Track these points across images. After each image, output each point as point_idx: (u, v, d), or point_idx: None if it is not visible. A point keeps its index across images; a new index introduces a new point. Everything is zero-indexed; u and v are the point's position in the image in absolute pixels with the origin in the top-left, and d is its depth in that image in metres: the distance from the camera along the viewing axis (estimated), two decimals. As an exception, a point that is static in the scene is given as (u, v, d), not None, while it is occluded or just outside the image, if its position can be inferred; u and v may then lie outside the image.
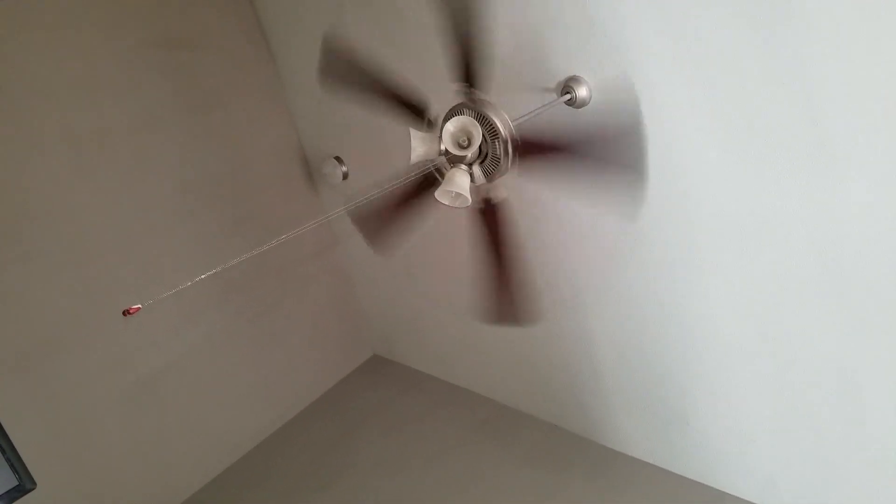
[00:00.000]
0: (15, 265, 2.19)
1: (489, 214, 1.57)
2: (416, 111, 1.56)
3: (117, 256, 2.44)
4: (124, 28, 2.41)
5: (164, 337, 2.61)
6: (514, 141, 1.47)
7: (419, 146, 1.46)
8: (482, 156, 1.50)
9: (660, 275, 1.97)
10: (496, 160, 1.49)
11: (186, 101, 2.63)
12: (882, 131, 1.38)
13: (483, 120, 1.46)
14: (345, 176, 2.88)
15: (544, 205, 2.13)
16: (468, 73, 1.49)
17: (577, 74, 1.80)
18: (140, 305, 1.16)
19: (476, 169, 1.50)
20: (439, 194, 1.44)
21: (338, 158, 2.87)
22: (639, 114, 1.67)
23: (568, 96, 1.80)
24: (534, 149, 1.51)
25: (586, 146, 1.52)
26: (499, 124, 1.46)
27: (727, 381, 2.01)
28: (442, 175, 1.53)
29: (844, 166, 1.46)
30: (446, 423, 2.89)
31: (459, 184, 1.43)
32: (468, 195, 1.42)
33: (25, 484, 1.68)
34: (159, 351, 2.60)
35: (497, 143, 1.47)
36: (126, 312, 1.16)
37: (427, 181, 1.57)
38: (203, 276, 1.22)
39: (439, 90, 1.57)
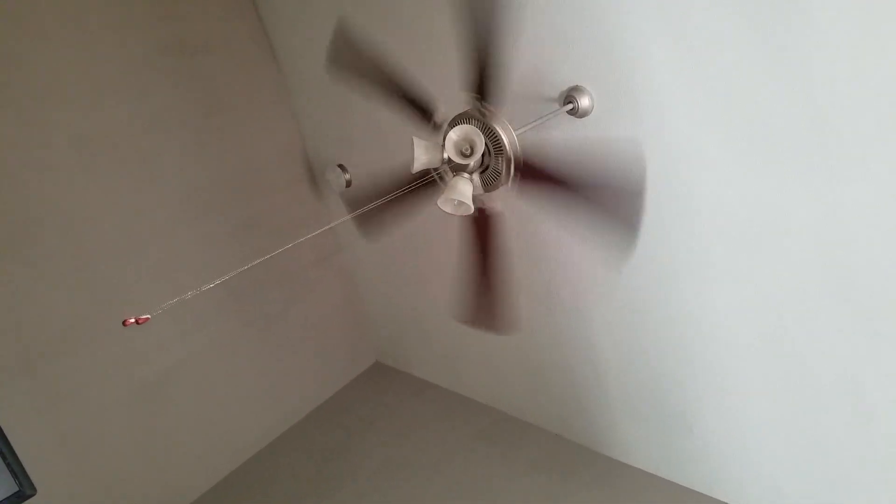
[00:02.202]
0: (20, 268, 2.20)
1: (481, 222, 1.57)
2: (422, 112, 1.56)
3: (123, 260, 2.45)
4: (132, 33, 2.43)
5: (168, 341, 2.61)
6: (517, 161, 1.46)
7: (422, 154, 1.46)
8: (483, 166, 1.50)
9: (663, 281, 1.97)
10: (496, 173, 1.49)
11: (192, 107, 2.65)
12: (887, 133, 1.38)
13: (489, 132, 1.46)
14: (348, 184, 2.89)
15: (546, 211, 2.13)
16: (481, 85, 1.48)
17: (580, 84, 1.81)
18: (148, 316, 1.16)
19: (476, 178, 1.50)
20: (442, 202, 1.44)
21: (341, 166, 2.88)
22: (644, 179, 1.67)
23: (570, 106, 1.80)
24: (535, 175, 1.51)
25: (588, 190, 1.51)
26: (504, 140, 1.45)
27: (731, 390, 1.99)
28: (444, 181, 1.53)
29: (849, 169, 1.46)
30: (449, 432, 2.88)
31: (462, 192, 1.43)
32: (471, 203, 1.42)
33: (25, 490, 1.68)
34: (164, 355, 2.61)
35: (500, 159, 1.46)
36: (125, 323, 1.16)
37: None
38: (210, 286, 1.22)
39: (449, 94, 1.57)
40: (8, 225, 2.16)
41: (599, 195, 1.52)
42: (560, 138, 1.92)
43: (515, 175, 1.49)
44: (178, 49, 2.58)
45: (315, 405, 3.27)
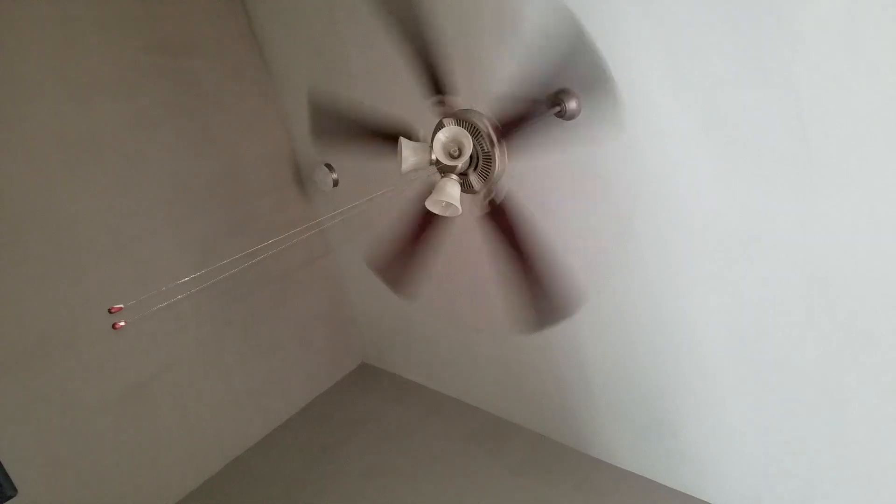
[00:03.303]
0: (3, 268, 2.17)
1: (498, 214, 1.56)
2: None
3: (109, 261, 2.43)
4: (118, 33, 2.41)
5: (153, 342, 2.59)
6: (495, 129, 1.48)
7: (410, 155, 1.47)
8: (475, 162, 1.51)
9: (649, 287, 1.99)
10: (487, 159, 1.49)
11: (180, 107, 2.63)
12: (871, 149, 1.40)
13: (466, 124, 1.47)
14: (335, 183, 2.88)
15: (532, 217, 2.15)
16: (434, 82, 1.51)
17: (568, 87, 1.82)
18: (122, 305, 1.16)
19: (473, 177, 1.51)
20: (429, 203, 1.45)
21: (328, 165, 2.87)
22: (573, 309, 1.68)
23: (557, 108, 1.82)
24: (500, 220, 1.54)
25: (529, 273, 1.55)
26: (478, 122, 1.47)
27: (715, 394, 2.02)
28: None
29: (831, 180, 1.49)
30: (436, 434, 2.89)
31: (450, 193, 1.44)
32: (458, 205, 1.43)
33: (6, 490, 1.66)
34: (148, 356, 2.58)
35: (482, 140, 1.47)
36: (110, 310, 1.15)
37: (430, 217, 1.58)
38: (186, 280, 1.21)
39: (421, 115, 1.61)
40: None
41: (536, 283, 1.56)
42: (547, 141, 1.93)
43: (501, 143, 1.50)
44: (166, 49, 2.56)
45: (300, 406, 3.26)
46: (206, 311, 2.76)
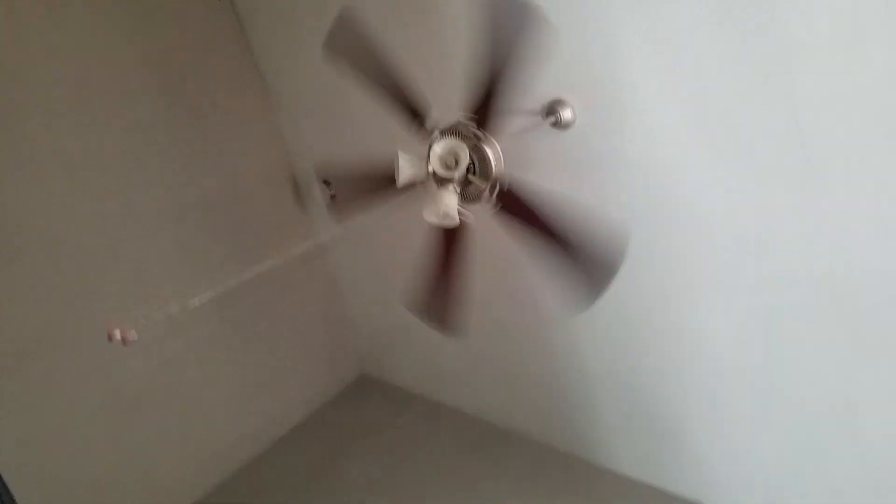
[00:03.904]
0: (3, 278, 2.18)
1: (511, 201, 1.52)
2: (413, 113, 1.56)
3: (105, 268, 2.44)
4: (117, 47, 2.44)
5: (147, 354, 2.58)
6: (501, 187, 1.48)
7: (407, 167, 1.48)
8: (472, 167, 1.50)
9: (652, 292, 1.99)
10: (478, 192, 1.50)
11: (177, 121, 2.65)
12: (872, 147, 1.42)
13: (477, 152, 1.47)
14: (333, 198, 2.89)
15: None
16: (484, 111, 1.46)
17: (562, 97, 1.84)
18: (135, 336, 1.16)
19: (475, 180, 1.50)
20: (427, 213, 1.45)
21: (326, 181, 2.88)
22: (622, 257, 1.56)
23: (553, 118, 1.83)
24: (515, 208, 1.50)
25: (564, 241, 1.47)
26: (492, 165, 1.46)
27: (720, 400, 2.01)
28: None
29: (836, 185, 1.49)
30: (437, 444, 2.87)
31: (447, 204, 1.45)
32: (455, 214, 1.44)
33: (4, 500, 1.65)
34: (143, 368, 2.58)
35: (484, 181, 1.47)
36: (119, 340, 1.15)
37: (451, 240, 1.57)
38: (197, 301, 1.22)
39: (444, 104, 1.57)
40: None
41: (573, 252, 1.48)
42: (543, 151, 1.94)
43: (497, 202, 1.50)
44: (164, 64, 2.59)
45: (300, 418, 3.24)
46: (205, 323, 2.76)
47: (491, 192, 1.50)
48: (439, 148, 1.45)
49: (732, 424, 2.03)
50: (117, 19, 2.44)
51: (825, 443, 1.83)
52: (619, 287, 2.02)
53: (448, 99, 1.55)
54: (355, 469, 2.83)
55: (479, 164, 1.49)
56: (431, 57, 2.13)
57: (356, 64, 1.62)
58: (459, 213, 1.48)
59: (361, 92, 1.61)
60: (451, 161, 1.47)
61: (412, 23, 2.18)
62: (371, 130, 2.53)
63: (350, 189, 1.74)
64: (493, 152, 1.47)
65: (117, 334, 1.13)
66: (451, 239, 1.58)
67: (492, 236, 1.63)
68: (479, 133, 1.46)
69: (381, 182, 1.63)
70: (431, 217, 1.45)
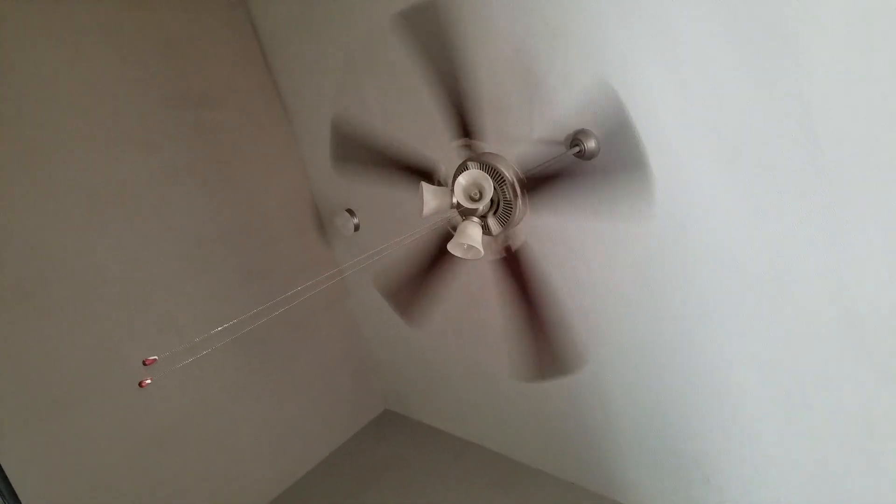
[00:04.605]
0: (30, 318, 2.19)
1: (511, 262, 1.57)
2: (425, 176, 1.61)
3: (132, 310, 2.44)
4: (141, 85, 2.49)
5: (174, 392, 2.58)
6: (520, 181, 1.48)
7: (431, 200, 1.47)
8: (495, 206, 1.51)
9: (675, 327, 1.94)
10: (508, 206, 1.49)
11: (202, 157, 2.69)
12: (890, 172, 1.38)
13: (490, 170, 1.48)
14: (356, 228, 2.91)
15: (555, 257, 2.13)
16: (464, 126, 1.53)
17: (586, 128, 1.83)
18: (156, 357, 1.16)
19: (491, 220, 1.51)
20: (451, 247, 1.44)
21: (349, 211, 2.90)
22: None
23: (577, 149, 1.82)
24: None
25: (533, 322, 1.55)
26: (503, 169, 1.47)
27: (748, 437, 1.94)
28: (454, 230, 1.54)
29: (856, 211, 1.46)
30: (462, 482, 2.80)
31: (471, 236, 1.43)
32: (480, 247, 1.42)
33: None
34: (170, 406, 2.57)
35: (505, 188, 1.48)
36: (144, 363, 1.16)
37: (444, 245, 1.59)
38: (218, 329, 1.21)
39: (445, 152, 1.62)
40: (18, 275, 2.17)
41: (544, 337, 1.56)
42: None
43: (524, 195, 1.50)
44: (188, 100, 2.64)
45: (323, 455, 3.20)
46: (228, 360, 2.76)
47: (516, 193, 1.50)
48: (464, 179, 1.44)
49: (760, 466, 1.96)
50: (143, 57, 2.50)
51: (854, 485, 1.76)
52: (641, 322, 1.99)
53: (448, 148, 1.60)
54: (377, 506, 2.77)
55: (502, 209, 1.49)
56: (419, 122, 2.21)
57: (363, 162, 1.77)
58: (503, 240, 1.52)
59: (376, 179, 1.70)
60: (475, 192, 1.45)
61: (393, 101, 2.31)
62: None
63: (365, 156, 1.78)
64: (522, 209, 1.49)
65: (146, 381, 1.15)
66: (518, 273, 1.58)
67: (501, 279, 1.62)
68: (517, 187, 1.48)
69: (397, 168, 1.69)
70: (456, 251, 1.44)
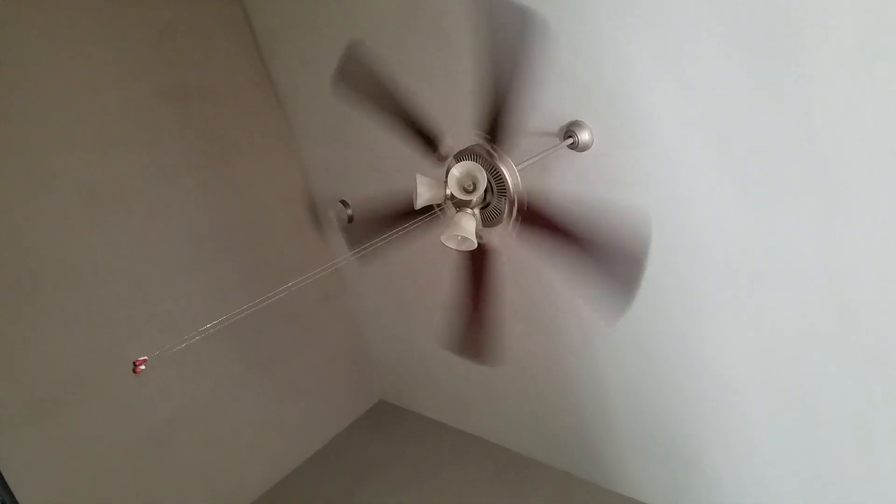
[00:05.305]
0: (24, 316, 2.19)
1: (476, 255, 1.55)
2: (428, 141, 1.55)
3: (127, 306, 2.44)
4: (137, 80, 2.48)
5: (172, 387, 2.59)
6: (520, 202, 1.46)
7: (425, 191, 1.47)
8: (484, 202, 1.50)
9: (670, 319, 1.95)
10: (497, 212, 1.49)
11: (197, 152, 2.68)
12: (889, 172, 1.38)
13: (492, 170, 1.46)
14: (350, 219, 2.90)
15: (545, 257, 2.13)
16: (493, 128, 1.47)
17: (580, 119, 1.83)
18: (146, 357, 1.15)
19: (496, 201, 1.49)
20: (445, 238, 1.44)
21: (344, 202, 2.90)
22: (648, 247, 1.58)
23: (570, 140, 1.82)
24: (537, 220, 1.49)
25: (588, 245, 1.47)
26: (508, 180, 1.44)
27: (741, 428, 1.96)
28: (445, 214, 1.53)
29: (854, 211, 1.46)
30: (457, 473, 2.82)
31: (465, 228, 1.43)
32: (474, 239, 1.42)
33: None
34: (168, 401, 2.58)
35: (503, 199, 1.46)
36: (135, 369, 1.15)
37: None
38: (210, 327, 1.21)
39: (457, 128, 1.57)
40: (15, 273, 2.17)
41: (600, 252, 1.47)
42: (561, 173, 1.93)
43: (517, 218, 1.48)
44: (183, 95, 2.62)
45: (319, 446, 3.21)
46: (224, 351, 2.76)
47: (510, 212, 1.49)
48: (457, 171, 1.43)
49: (752, 454, 1.98)
50: (139, 53, 2.49)
51: (846, 471, 1.78)
52: (637, 314, 2.00)
53: (463, 122, 1.55)
54: (374, 497, 2.78)
55: (496, 184, 1.47)
56: (443, 82, 2.14)
57: (367, 96, 1.62)
58: (478, 236, 1.46)
59: (375, 120, 1.61)
60: (468, 184, 1.45)
61: (421, 49, 2.20)
62: (388, 155, 2.54)
63: (368, 219, 1.73)
64: (509, 170, 1.46)
65: (141, 364, 1.14)
66: (478, 266, 1.56)
67: (511, 264, 1.61)
68: (493, 152, 1.45)
69: (400, 212, 1.64)
70: (450, 242, 1.44)
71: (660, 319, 1.97)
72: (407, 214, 1.62)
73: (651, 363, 2.08)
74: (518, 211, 1.48)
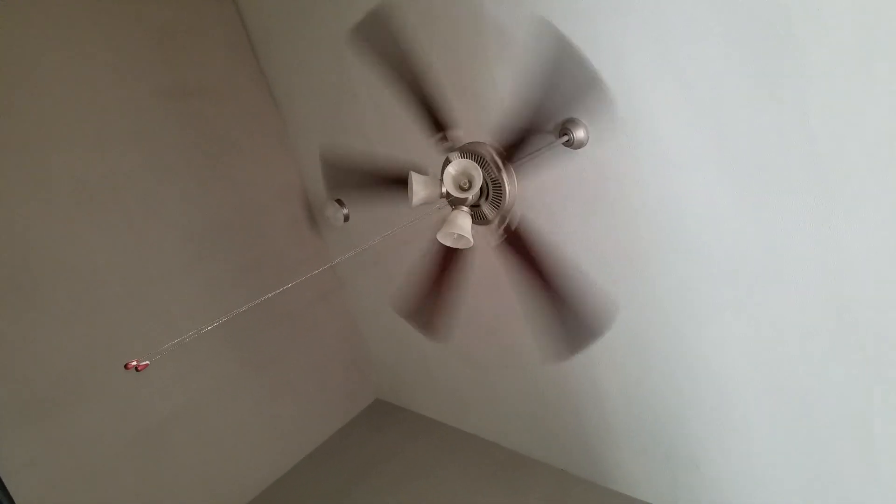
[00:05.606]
0: (22, 315, 2.18)
1: (515, 240, 1.53)
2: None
3: (125, 305, 2.43)
4: (132, 78, 2.47)
5: (168, 386, 2.58)
6: (500, 154, 1.46)
7: (420, 189, 1.47)
8: (485, 192, 1.50)
9: (667, 317, 1.95)
10: (497, 187, 1.48)
11: (193, 150, 2.67)
12: (885, 169, 1.38)
13: (473, 156, 1.47)
14: (346, 218, 2.89)
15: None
16: (433, 119, 1.51)
17: (575, 116, 1.83)
18: (148, 362, 1.15)
19: (486, 207, 1.50)
20: (441, 236, 1.44)
21: (339, 201, 2.89)
22: (606, 327, 1.66)
23: (566, 138, 1.82)
24: (518, 247, 1.52)
25: (555, 295, 1.51)
26: (482, 151, 1.45)
27: (741, 428, 1.96)
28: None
29: (854, 211, 1.46)
30: (453, 471, 2.82)
31: (461, 225, 1.43)
32: (469, 237, 1.42)
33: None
34: (164, 400, 2.57)
35: (489, 168, 1.46)
36: (134, 368, 1.14)
37: (450, 255, 1.57)
38: (209, 328, 1.20)
39: (471, 124, 1.59)
40: (14, 272, 2.16)
41: (561, 307, 1.52)
42: (556, 172, 1.93)
43: (503, 233, 1.49)
44: (178, 93, 2.62)
45: (316, 445, 3.21)
46: (222, 350, 2.75)
47: (499, 224, 1.50)
48: (453, 169, 1.43)
49: (750, 453, 1.98)
50: (138, 53, 2.48)
51: (843, 467, 1.78)
52: (633, 312, 2.00)
53: (472, 119, 1.55)
54: (371, 496, 2.78)
55: (492, 192, 1.48)
56: (464, 75, 2.10)
57: (385, 60, 1.58)
58: (508, 221, 1.49)
59: (375, 113, 1.62)
60: (464, 182, 1.45)
61: (452, 38, 2.11)
62: (387, 155, 2.53)
63: (357, 179, 1.75)
64: (511, 185, 1.47)
65: (133, 363, 1.13)
66: (527, 250, 1.55)
67: (507, 261, 1.61)
68: (501, 165, 1.45)
69: (390, 184, 1.66)
70: (446, 239, 1.44)
71: (659, 319, 1.97)
72: (390, 181, 1.64)
73: (650, 363, 2.08)
74: (505, 229, 1.50)
